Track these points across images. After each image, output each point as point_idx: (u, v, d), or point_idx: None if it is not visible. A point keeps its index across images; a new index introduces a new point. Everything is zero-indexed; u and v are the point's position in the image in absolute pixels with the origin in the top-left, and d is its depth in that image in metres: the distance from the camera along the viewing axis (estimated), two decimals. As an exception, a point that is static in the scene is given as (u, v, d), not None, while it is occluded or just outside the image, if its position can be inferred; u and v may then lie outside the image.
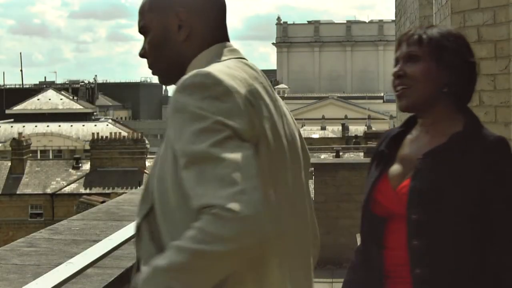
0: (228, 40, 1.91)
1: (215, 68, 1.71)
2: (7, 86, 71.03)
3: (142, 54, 1.92)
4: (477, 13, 3.76)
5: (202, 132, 1.58)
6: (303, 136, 1.97)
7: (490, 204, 2.13)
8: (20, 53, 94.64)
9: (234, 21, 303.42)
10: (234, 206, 1.50)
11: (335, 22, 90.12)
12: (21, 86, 72.40)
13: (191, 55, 1.86)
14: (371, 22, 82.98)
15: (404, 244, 2.18)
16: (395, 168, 2.29)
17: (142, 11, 1.91)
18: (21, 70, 68.42)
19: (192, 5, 1.88)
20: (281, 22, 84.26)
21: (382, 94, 65.90)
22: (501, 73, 3.63)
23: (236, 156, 1.57)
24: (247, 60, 1.86)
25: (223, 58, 1.83)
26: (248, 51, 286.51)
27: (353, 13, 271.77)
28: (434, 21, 4.68)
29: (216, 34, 1.88)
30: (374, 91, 71.95)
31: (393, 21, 11.34)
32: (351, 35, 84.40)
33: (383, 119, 60.61)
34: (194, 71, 1.69)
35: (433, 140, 2.24)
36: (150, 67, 1.92)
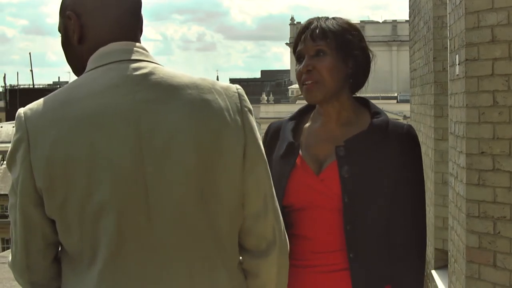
0: (132, 39, 1.77)
1: (44, 99, 1.77)
2: (21, 86, 71.32)
3: None
4: (491, 13, 3.74)
5: None
6: None
7: (398, 186, 2.26)
8: (30, 54, 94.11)
9: (247, 22, 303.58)
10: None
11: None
12: (32, 86, 72.58)
13: (87, 58, 1.76)
14: (384, 22, 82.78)
15: (325, 231, 2.25)
16: (310, 156, 2.32)
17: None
18: (31, 70, 68.60)
19: (82, 7, 1.75)
20: (295, 22, 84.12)
21: (395, 94, 65.77)
22: (516, 73, 3.61)
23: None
24: (126, 62, 1.71)
25: (93, 66, 1.73)
26: (262, 51, 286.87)
27: (366, 13, 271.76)
28: (448, 21, 4.66)
29: (112, 34, 1.75)
30: (387, 91, 71.73)
31: (406, 21, 11.31)
32: (364, 35, 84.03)
33: (397, 119, 60.35)
34: None
35: (345, 129, 2.32)
36: None
